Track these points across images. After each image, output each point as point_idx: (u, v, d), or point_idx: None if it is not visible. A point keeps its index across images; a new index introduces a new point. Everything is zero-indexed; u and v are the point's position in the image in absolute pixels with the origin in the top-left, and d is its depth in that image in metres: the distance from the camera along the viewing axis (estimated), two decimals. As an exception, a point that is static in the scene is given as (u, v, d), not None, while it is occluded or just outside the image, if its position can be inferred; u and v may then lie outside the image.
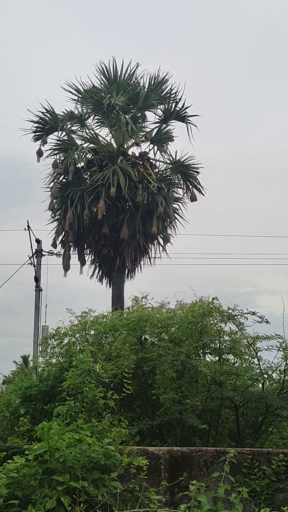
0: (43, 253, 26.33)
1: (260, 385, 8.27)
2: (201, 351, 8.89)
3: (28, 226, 25.62)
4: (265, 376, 8.13)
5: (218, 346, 8.64)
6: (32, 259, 26.02)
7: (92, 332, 9.09)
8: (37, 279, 26.02)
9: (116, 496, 5.10)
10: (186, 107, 18.47)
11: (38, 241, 26.47)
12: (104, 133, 19.63)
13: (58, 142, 18.48)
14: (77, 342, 9.04)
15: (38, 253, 26.34)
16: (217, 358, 8.77)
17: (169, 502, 5.66)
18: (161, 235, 18.64)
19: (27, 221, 25.87)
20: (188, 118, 18.53)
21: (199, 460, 5.93)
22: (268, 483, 5.75)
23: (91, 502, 4.83)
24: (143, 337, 8.78)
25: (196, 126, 18.57)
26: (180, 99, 18.50)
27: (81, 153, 17.97)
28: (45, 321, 25.74)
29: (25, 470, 4.93)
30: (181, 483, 5.69)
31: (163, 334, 8.94)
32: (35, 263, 26.20)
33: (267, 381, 8.27)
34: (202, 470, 5.87)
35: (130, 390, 7.00)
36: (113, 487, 5.05)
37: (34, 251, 26.24)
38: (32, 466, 4.95)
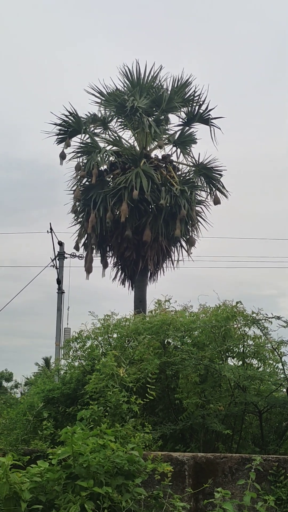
0: (66, 255, 26.42)
1: (285, 390, 8.16)
2: (225, 355, 8.81)
3: (51, 229, 25.73)
4: (290, 381, 8.02)
5: (241, 351, 8.55)
6: (54, 261, 26.12)
7: (115, 335, 9.04)
8: (59, 281, 26.09)
9: (140, 503, 5.05)
10: (210, 110, 18.45)
11: (60, 244, 26.55)
12: (127, 136, 19.67)
13: (81, 144, 18.53)
14: (100, 346, 9.00)
15: (61, 255, 26.42)
16: (240, 362, 8.69)
17: (194, 509, 5.59)
18: (184, 238, 18.58)
19: (50, 223, 25.96)
20: (212, 121, 18.47)
21: (224, 466, 5.85)
22: (294, 491, 5.66)
23: (115, 508, 4.79)
24: (166, 341, 8.73)
25: (220, 129, 18.53)
26: (203, 101, 18.51)
27: (104, 156, 17.97)
28: (67, 323, 25.84)
29: (49, 475, 4.92)
30: (205, 490, 5.62)
31: (186, 338, 8.87)
32: (58, 265, 26.29)
33: (292, 386, 8.16)
34: (227, 477, 5.80)
35: (153, 396, 6.95)
36: (137, 493, 5.01)
37: (56, 253, 26.34)
38: (56, 471, 4.94)
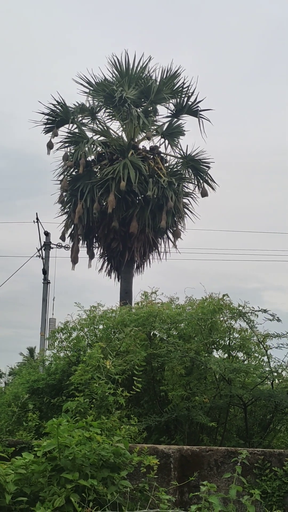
0: (52, 246, 26.26)
1: (270, 383, 8.19)
2: (210, 348, 8.82)
3: (37, 219, 25.57)
4: (275, 374, 8.04)
5: (227, 343, 8.57)
6: (40, 251, 25.97)
7: (101, 326, 9.02)
8: (45, 272, 25.96)
9: (125, 495, 5.03)
10: (199, 101, 18.42)
11: (46, 234, 26.40)
12: (115, 127, 19.62)
13: (69, 134, 18.41)
14: (86, 337, 8.98)
15: (47, 245, 26.27)
16: (226, 355, 8.70)
17: (179, 502, 5.60)
18: (171, 230, 18.56)
19: (36, 213, 25.80)
20: (200, 113, 18.42)
21: (210, 459, 5.86)
22: (279, 485, 5.67)
23: (100, 500, 4.77)
24: (152, 332, 8.71)
25: (209, 121, 18.48)
26: (192, 93, 18.47)
27: (92, 146, 17.90)
28: (53, 314, 25.76)
29: (34, 467, 4.87)
30: (191, 483, 5.62)
31: (172, 330, 8.87)
32: (43, 255, 26.15)
33: (277, 379, 8.19)
34: (213, 470, 5.80)
35: (139, 388, 6.93)
36: (122, 486, 4.99)
37: (42, 243, 26.19)
38: (41, 463, 4.89)
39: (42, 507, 4.46)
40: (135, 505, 5.01)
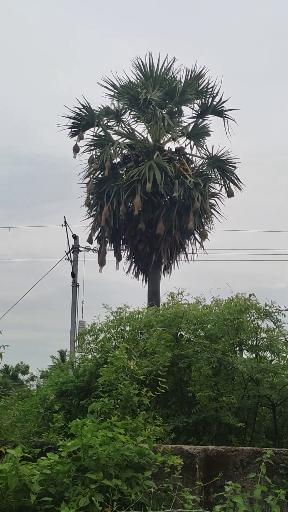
0: (80, 248, 26.38)
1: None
2: (238, 348, 8.77)
3: (65, 222, 25.67)
4: (304, 374, 7.97)
5: (255, 343, 8.51)
6: (69, 254, 26.10)
7: (128, 328, 9.03)
8: (74, 275, 26.07)
9: (149, 495, 5.03)
10: (223, 101, 18.36)
11: (74, 237, 26.51)
12: (140, 129, 19.55)
13: (94, 137, 18.49)
14: (113, 338, 9.00)
15: (75, 249, 26.38)
16: (253, 355, 8.64)
17: (204, 502, 5.56)
18: (198, 231, 18.51)
19: (64, 217, 25.87)
20: (225, 113, 18.36)
21: (235, 459, 5.82)
22: (305, 485, 5.61)
23: (125, 500, 4.77)
24: (178, 333, 8.69)
25: (234, 120, 18.40)
26: (217, 93, 18.40)
27: (117, 149, 17.94)
28: (82, 317, 25.83)
29: (59, 467, 4.91)
30: (216, 483, 5.58)
31: (199, 330, 8.84)
32: (72, 258, 26.26)
33: (306, 379, 8.11)
34: (238, 470, 5.76)
35: (166, 389, 6.91)
36: (147, 486, 4.99)
37: (71, 247, 26.30)
38: (66, 463, 4.92)
39: (66, 507, 4.49)
40: (160, 505, 5.00)
